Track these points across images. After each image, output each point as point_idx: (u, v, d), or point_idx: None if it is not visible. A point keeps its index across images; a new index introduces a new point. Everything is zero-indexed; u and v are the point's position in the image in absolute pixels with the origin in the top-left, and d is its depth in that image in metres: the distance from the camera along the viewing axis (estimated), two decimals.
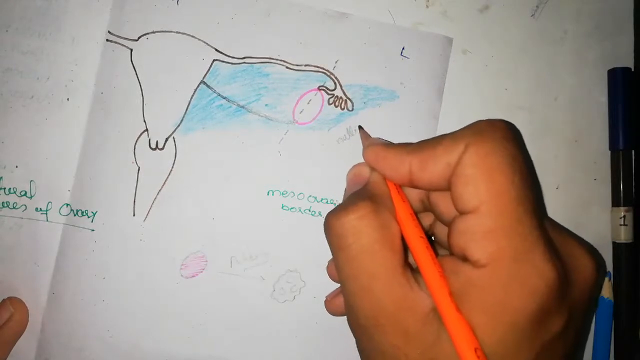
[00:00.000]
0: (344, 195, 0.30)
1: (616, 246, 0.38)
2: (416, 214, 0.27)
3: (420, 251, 0.25)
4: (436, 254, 0.25)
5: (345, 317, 0.27)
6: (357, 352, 0.27)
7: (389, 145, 0.28)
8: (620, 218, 0.38)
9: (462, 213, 0.24)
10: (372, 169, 0.28)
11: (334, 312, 0.32)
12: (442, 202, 0.27)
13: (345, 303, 0.26)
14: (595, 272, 0.25)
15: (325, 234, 0.26)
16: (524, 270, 0.22)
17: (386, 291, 0.24)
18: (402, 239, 0.26)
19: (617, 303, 0.38)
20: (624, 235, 0.38)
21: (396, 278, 0.24)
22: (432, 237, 0.31)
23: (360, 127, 0.35)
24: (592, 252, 0.26)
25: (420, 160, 0.25)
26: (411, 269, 0.25)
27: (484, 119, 0.26)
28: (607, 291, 0.38)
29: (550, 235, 0.24)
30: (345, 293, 0.26)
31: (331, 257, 0.32)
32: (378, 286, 0.24)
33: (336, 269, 0.26)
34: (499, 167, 0.23)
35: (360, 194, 0.27)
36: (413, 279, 0.24)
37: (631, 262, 0.38)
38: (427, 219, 0.31)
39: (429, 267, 0.24)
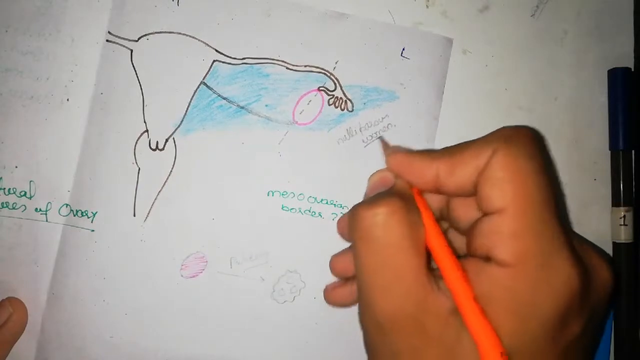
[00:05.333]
0: (364, 198, 0.30)
1: (616, 246, 0.38)
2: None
3: (444, 255, 0.25)
4: (458, 257, 0.25)
5: (358, 313, 0.26)
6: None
7: (412, 152, 0.28)
8: (620, 218, 0.38)
9: (488, 213, 0.24)
10: (397, 176, 0.28)
11: (333, 303, 0.32)
12: (462, 208, 0.27)
13: (362, 299, 0.26)
14: (612, 280, 0.26)
15: (350, 225, 0.26)
16: (549, 272, 0.23)
17: (409, 290, 0.24)
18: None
19: (618, 303, 0.38)
20: (624, 235, 0.38)
21: (419, 278, 0.24)
22: None
23: (380, 137, 0.35)
24: (609, 261, 0.26)
25: (448, 165, 0.26)
26: (432, 271, 0.25)
27: (509, 125, 0.26)
28: None
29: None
30: (364, 288, 0.25)
31: (331, 255, 0.32)
32: (401, 284, 0.24)
33: (356, 263, 0.26)
34: (526, 170, 0.24)
35: (390, 192, 0.27)
36: (434, 281, 0.24)
37: (631, 262, 0.38)
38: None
39: (453, 271, 0.24)
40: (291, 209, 0.37)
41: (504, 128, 0.26)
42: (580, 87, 0.39)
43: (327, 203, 0.37)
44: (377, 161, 0.36)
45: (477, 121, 0.38)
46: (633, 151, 0.39)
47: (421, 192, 0.28)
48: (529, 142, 0.25)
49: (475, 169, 0.25)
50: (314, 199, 0.37)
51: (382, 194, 0.26)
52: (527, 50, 0.39)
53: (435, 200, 0.29)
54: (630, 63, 0.39)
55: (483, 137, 0.26)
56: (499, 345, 0.22)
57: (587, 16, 0.39)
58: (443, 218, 0.30)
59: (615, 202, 0.38)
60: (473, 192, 0.25)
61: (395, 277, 0.24)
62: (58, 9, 0.36)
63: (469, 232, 0.25)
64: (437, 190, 0.27)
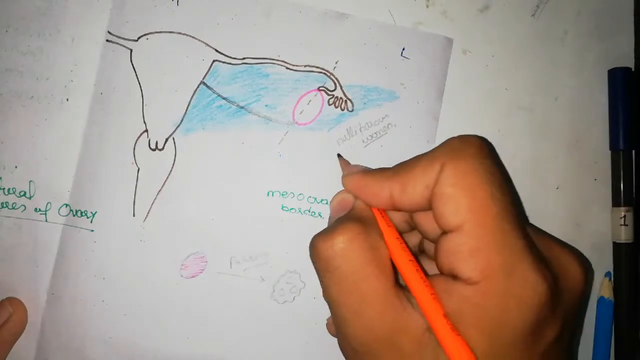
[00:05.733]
0: (329, 222, 0.30)
1: (616, 246, 0.38)
2: (402, 234, 0.27)
3: (411, 275, 0.24)
4: (425, 273, 0.25)
5: (338, 342, 0.27)
6: None
7: (367, 172, 0.28)
8: (621, 218, 0.38)
9: (445, 232, 0.24)
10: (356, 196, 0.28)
11: (334, 334, 0.32)
12: (426, 222, 0.27)
13: (337, 329, 0.26)
14: (584, 276, 0.25)
15: (311, 258, 0.26)
16: (515, 284, 0.22)
17: (379, 314, 0.23)
18: (391, 260, 0.26)
19: (618, 303, 0.38)
20: (625, 235, 0.38)
21: (388, 300, 0.24)
22: (422, 252, 0.31)
23: (338, 155, 0.35)
24: (578, 255, 0.26)
25: (399, 184, 0.25)
26: (401, 288, 0.25)
27: (458, 135, 0.26)
28: (607, 291, 0.38)
29: (535, 243, 0.24)
30: (336, 319, 0.25)
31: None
32: (370, 309, 0.24)
33: (324, 295, 0.26)
34: (477, 183, 0.23)
35: (348, 217, 0.26)
36: (405, 298, 0.24)
37: (631, 262, 0.38)
38: (415, 237, 0.31)
39: (422, 290, 0.24)
40: (291, 209, 0.37)
41: (451, 140, 0.25)
42: (581, 87, 0.39)
43: (327, 203, 0.37)
44: (377, 161, 0.36)
45: (478, 121, 0.38)
46: (633, 151, 0.38)
47: (383, 211, 0.28)
48: (476, 152, 0.24)
49: (425, 187, 0.24)
50: (314, 199, 0.37)
51: (340, 220, 0.26)
52: (528, 50, 0.39)
53: (401, 214, 0.29)
54: (630, 63, 0.39)
55: (430, 151, 0.25)
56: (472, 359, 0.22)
57: (587, 16, 0.39)
58: (413, 229, 0.29)
59: (616, 202, 0.38)
60: (429, 207, 0.25)
61: (363, 303, 0.24)
62: (58, 9, 0.36)
63: (434, 249, 0.25)
64: (395, 209, 0.26)
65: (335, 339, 0.27)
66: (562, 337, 0.24)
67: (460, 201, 0.23)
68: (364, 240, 0.24)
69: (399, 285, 0.25)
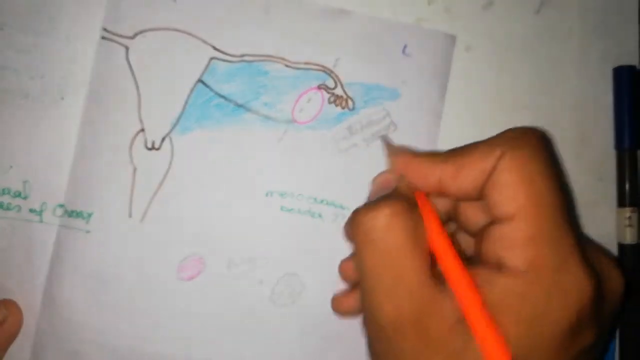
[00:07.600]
0: (368, 200, 0.30)
1: (622, 247, 0.38)
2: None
3: (449, 261, 0.24)
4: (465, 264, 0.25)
5: (362, 317, 0.26)
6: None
7: (415, 153, 0.28)
8: (626, 219, 0.38)
9: (498, 220, 0.24)
10: (400, 178, 0.28)
11: (341, 312, 0.32)
12: (470, 211, 0.27)
13: (365, 302, 0.25)
14: (623, 286, 0.25)
15: (350, 228, 0.26)
16: (563, 279, 0.22)
17: (412, 293, 0.23)
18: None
19: (623, 305, 0.37)
20: (630, 236, 0.37)
21: (423, 280, 0.24)
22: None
23: (383, 136, 0.35)
24: (618, 264, 0.26)
25: (452, 168, 0.25)
26: (437, 275, 0.25)
27: (519, 126, 0.26)
28: None
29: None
30: (367, 291, 0.25)
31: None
32: (404, 286, 0.24)
33: (359, 267, 0.25)
34: (536, 173, 0.23)
35: (392, 195, 0.26)
36: (440, 285, 0.24)
37: (637, 264, 0.37)
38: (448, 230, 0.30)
39: (459, 277, 0.24)
40: (290, 209, 0.37)
41: (510, 130, 0.25)
42: (585, 85, 0.39)
43: (327, 204, 0.37)
44: (378, 160, 0.35)
45: (480, 119, 0.38)
46: (639, 150, 0.38)
47: (425, 195, 0.27)
48: (537, 144, 0.24)
49: (480, 173, 0.24)
50: (313, 200, 0.37)
51: (383, 197, 0.26)
52: (531, 48, 0.39)
53: (442, 202, 0.28)
54: (635, 61, 0.39)
55: (488, 139, 0.25)
56: (506, 354, 0.21)
57: (591, 13, 0.39)
58: (451, 220, 0.29)
59: (621, 203, 0.38)
60: (477, 196, 0.25)
61: (398, 280, 0.24)
62: (53, 6, 0.36)
63: (477, 238, 0.25)
64: (441, 194, 0.26)
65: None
66: (596, 345, 0.24)
67: (518, 189, 0.23)
68: (406, 218, 0.24)
69: (435, 272, 0.25)
